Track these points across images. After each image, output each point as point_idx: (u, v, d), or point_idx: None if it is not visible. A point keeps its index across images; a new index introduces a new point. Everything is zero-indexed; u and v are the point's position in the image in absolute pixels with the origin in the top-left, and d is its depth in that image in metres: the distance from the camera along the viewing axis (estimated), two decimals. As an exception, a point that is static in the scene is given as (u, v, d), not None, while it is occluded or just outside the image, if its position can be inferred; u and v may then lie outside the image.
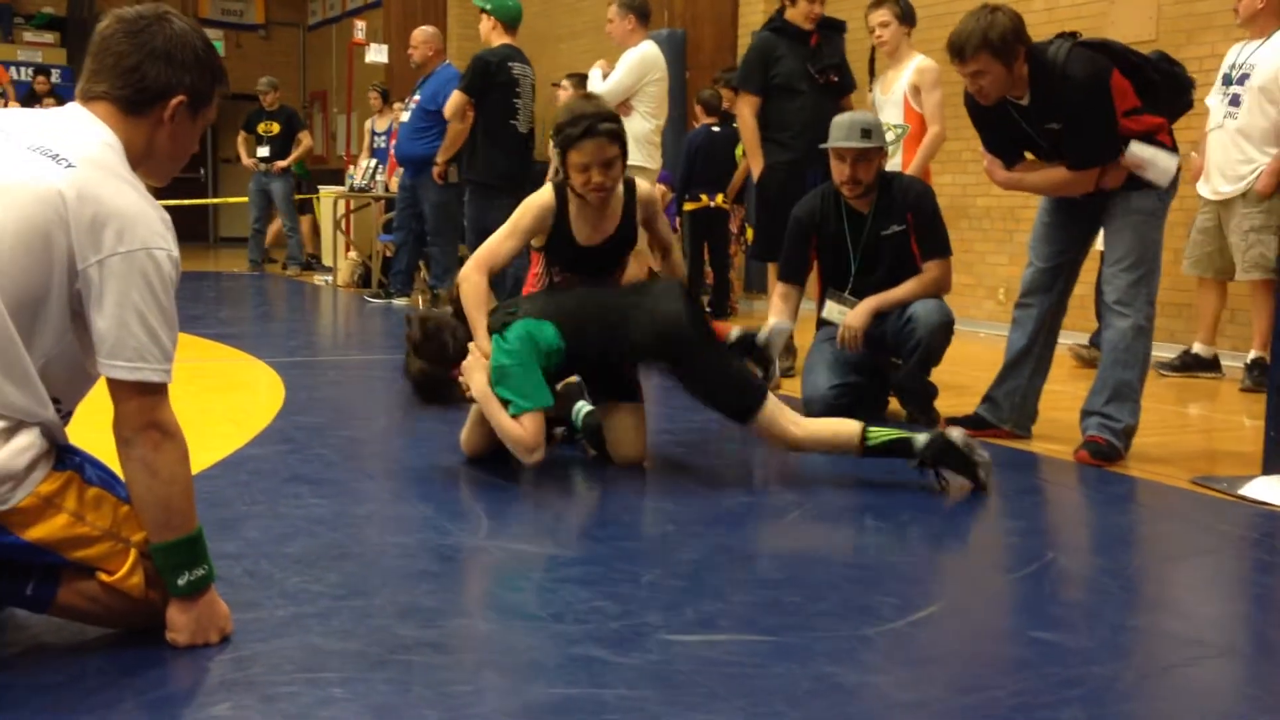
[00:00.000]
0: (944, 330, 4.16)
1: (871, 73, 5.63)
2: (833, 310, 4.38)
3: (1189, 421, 4.68)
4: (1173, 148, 3.70)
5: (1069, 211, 3.84)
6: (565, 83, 8.20)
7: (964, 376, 4.72)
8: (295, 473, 3.23)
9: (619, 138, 3.38)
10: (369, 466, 3.51)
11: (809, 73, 5.27)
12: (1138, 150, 3.62)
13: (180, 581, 1.90)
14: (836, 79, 5.36)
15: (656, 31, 8.81)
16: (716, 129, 8.13)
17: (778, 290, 4.41)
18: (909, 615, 2.23)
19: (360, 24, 12.35)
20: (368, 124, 11.21)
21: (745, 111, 5.42)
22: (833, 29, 5.41)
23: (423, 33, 8.20)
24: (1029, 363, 3.99)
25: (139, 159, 1.95)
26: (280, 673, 1.84)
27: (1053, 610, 2.35)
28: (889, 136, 5.16)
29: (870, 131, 4.09)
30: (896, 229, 4.19)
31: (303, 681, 1.81)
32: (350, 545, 2.60)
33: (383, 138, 10.74)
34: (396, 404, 4.80)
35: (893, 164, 5.10)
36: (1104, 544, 2.96)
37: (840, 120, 4.20)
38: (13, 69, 15.36)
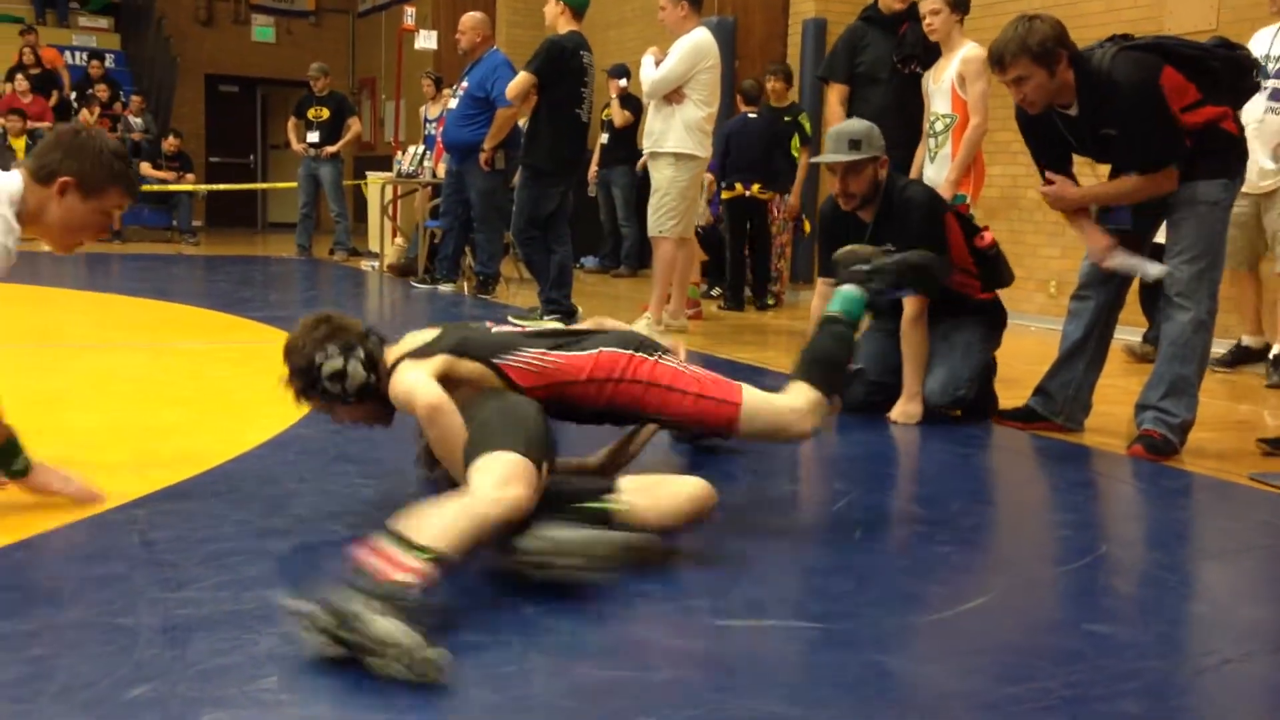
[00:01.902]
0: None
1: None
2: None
3: (1244, 416, 4.59)
4: (1239, 135, 3.63)
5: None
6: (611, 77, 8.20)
7: (1015, 370, 4.66)
8: (342, 452, 3.25)
9: None
10: (415, 448, 3.51)
11: (892, 61, 5.28)
12: (1122, 259, 3.72)
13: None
14: (919, 68, 5.33)
15: (706, 19, 8.78)
16: (753, 116, 8.08)
17: (818, 290, 4.33)
18: (959, 605, 2.20)
19: (410, 10, 12.40)
20: (421, 110, 11.25)
21: (833, 100, 5.45)
22: (918, 17, 5.37)
23: (471, 19, 8.20)
24: (1084, 356, 3.93)
25: (33, 217, 2.54)
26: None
27: (1106, 603, 2.31)
28: (938, 126, 5.10)
29: (859, 142, 3.94)
30: (890, 249, 4.04)
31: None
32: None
33: (433, 124, 10.78)
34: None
35: (943, 154, 5.05)
36: (1158, 538, 2.91)
37: (830, 132, 4.09)
38: (67, 53, 15.56)
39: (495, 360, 2.65)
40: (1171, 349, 3.65)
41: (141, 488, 2.76)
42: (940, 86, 5.10)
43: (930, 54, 5.37)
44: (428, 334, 2.77)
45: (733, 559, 2.40)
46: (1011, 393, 4.30)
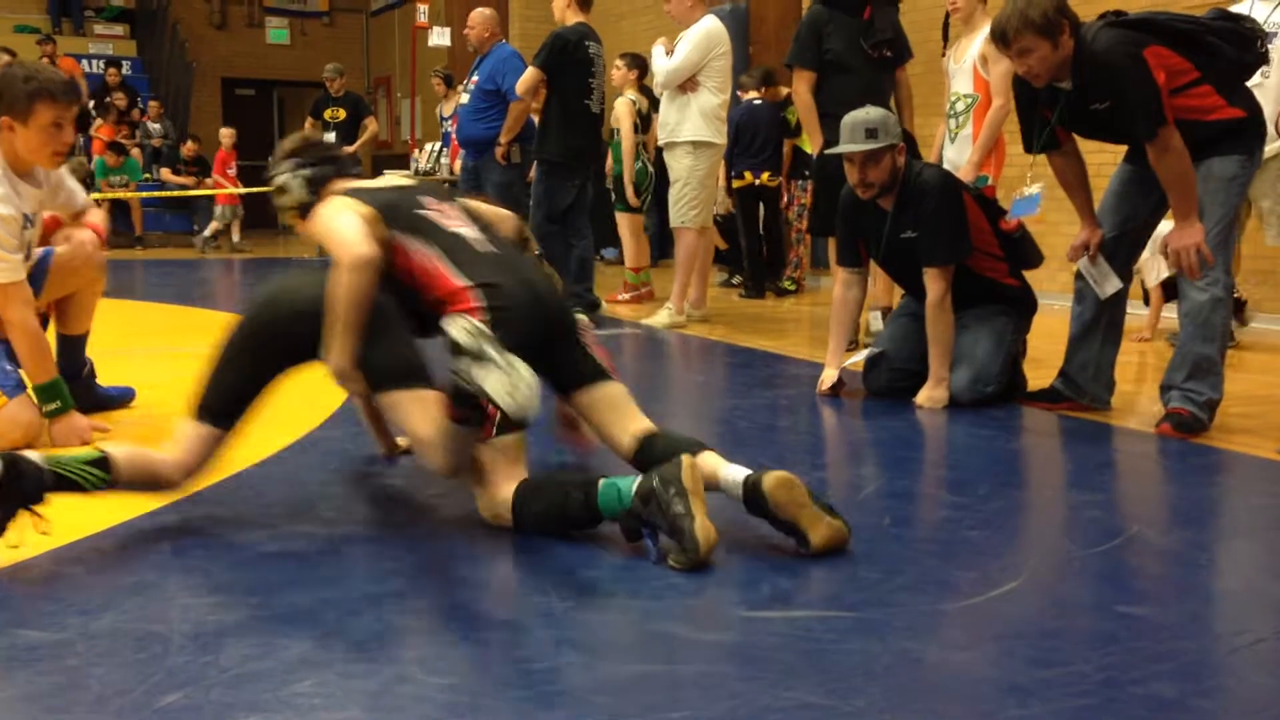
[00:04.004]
0: None
1: (945, 39, 5.52)
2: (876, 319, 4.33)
3: (1272, 391, 4.55)
4: (1253, 114, 3.57)
5: (1142, 180, 3.73)
6: (619, 63, 8.16)
7: (1042, 350, 4.63)
8: (369, 453, 3.26)
9: None
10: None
11: (861, 47, 5.19)
12: (1085, 266, 3.86)
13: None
14: (890, 53, 5.27)
15: (719, 7, 8.75)
16: (759, 103, 8.05)
17: (839, 278, 4.28)
18: (990, 590, 2.19)
19: (422, 7, 12.41)
20: (437, 109, 11.27)
21: (801, 88, 5.34)
22: (885, 1, 5.31)
23: (479, 14, 8.20)
24: (1096, 334, 3.90)
25: (15, 158, 3.17)
26: (360, 650, 1.86)
27: (1137, 584, 2.29)
28: (959, 106, 5.06)
29: (876, 130, 3.91)
30: (911, 235, 4.01)
31: (383, 660, 1.82)
32: (423, 525, 2.62)
33: (448, 122, 10.79)
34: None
35: (963, 135, 5.01)
36: (1188, 517, 2.89)
37: (845, 121, 4.02)
38: (84, 61, 15.65)
39: (398, 236, 2.60)
40: (1191, 328, 3.61)
41: (169, 494, 2.77)
42: (962, 66, 5.06)
43: (900, 40, 5.32)
44: (394, 181, 2.79)
45: (758, 550, 2.40)
46: (1039, 373, 4.27)
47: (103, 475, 2.41)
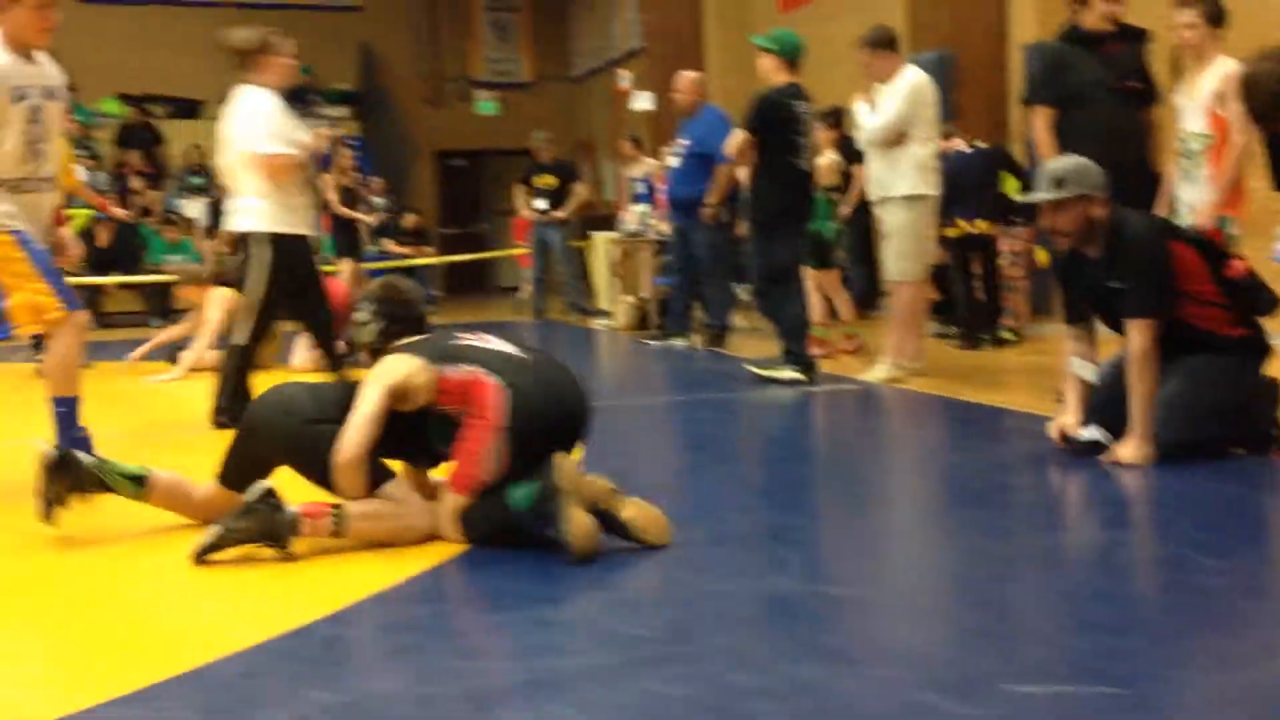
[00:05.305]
0: None
1: (1174, 76, 5.30)
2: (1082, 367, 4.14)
3: None
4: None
5: None
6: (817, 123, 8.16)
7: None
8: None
9: None
10: (676, 510, 3.57)
11: (1105, 82, 5.02)
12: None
13: None
14: (1139, 86, 5.09)
15: (924, 54, 8.67)
16: (968, 151, 7.91)
17: (1067, 335, 4.17)
18: (1272, 662, 2.06)
19: (624, 73, 12.74)
20: (624, 172, 11.54)
21: (1040, 125, 5.19)
22: (1133, 38, 5.13)
23: (687, 77, 8.39)
24: None
25: (13, 37, 3.73)
26: (624, 717, 1.90)
27: None
28: (1193, 146, 4.85)
29: (1063, 180, 3.84)
30: (1117, 285, 3.87)
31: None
32: (667, 589, 2.66)
33: (640, 184, 11.04)
34: (689, 446, 4.90)
35: (1200, 175, 4.79)
36: None
37: (1039, 170, 3.96)
38: (313, 143, 16.69)
39: (442, 369, 3.05)
40: None
41: (425, 561, 2.90)
42: (1195, 103, 4.85)
43: (1145, 76, 5.12)
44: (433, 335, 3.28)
45: (1009, 615, 2.33)
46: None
47: (136, 490, 3.11)
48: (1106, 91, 5.02)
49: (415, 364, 3.05)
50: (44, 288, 3.75)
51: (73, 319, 3.83)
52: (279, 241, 4.91)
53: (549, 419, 3.03)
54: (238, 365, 5.00)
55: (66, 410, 3.88)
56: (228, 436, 3.23)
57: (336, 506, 2.93)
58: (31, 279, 3.74)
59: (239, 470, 3.11)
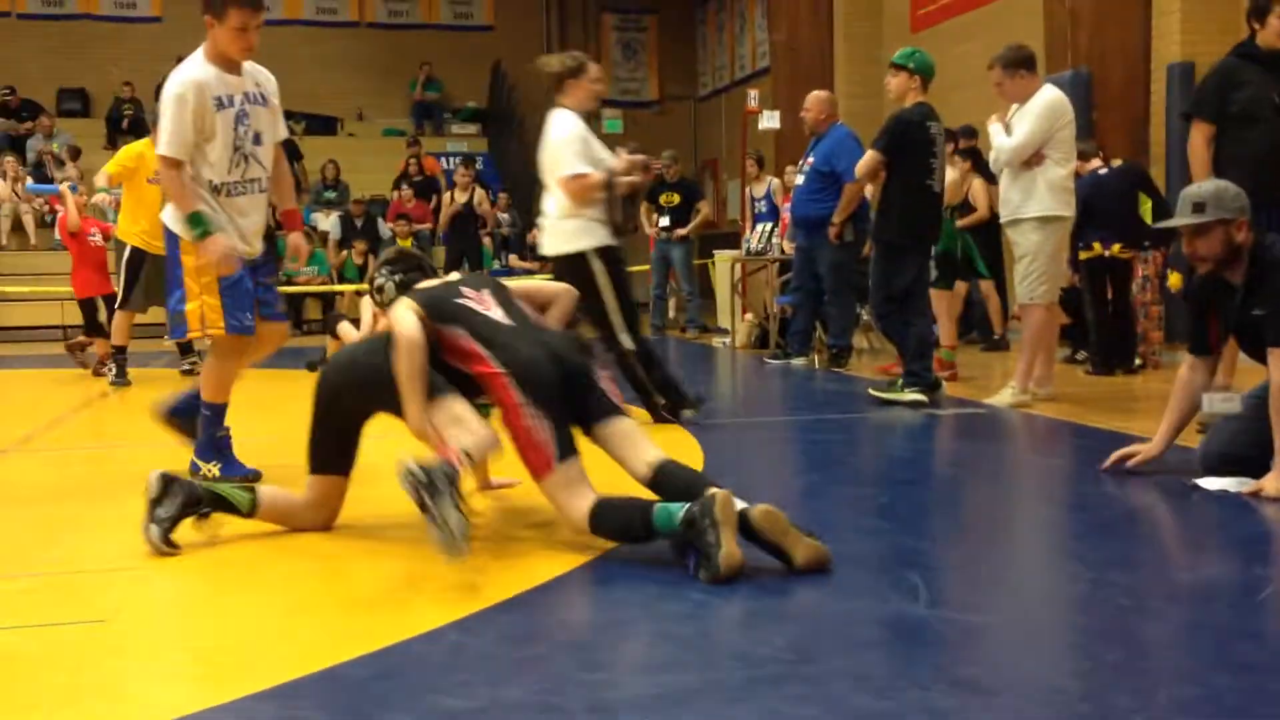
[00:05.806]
0: None
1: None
2: (1214, 402, 3.99)
3: None
4: None
5: None
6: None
7: None
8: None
9: None
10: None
11: (1273, 100, 4.86)
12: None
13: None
14: None
15: (1060, 74, 8.48)
16: (1104, 173, 7.69)
17: (1186, 361, 4.05)
18: None
19: (753, 92, 12.75)
20: (747, 190, 11.54)
21: (1198, 140, 5.06)
22: None
23: (816, 97, 8.35)
24: None
25: (217, 53, 3.92)
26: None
27: None
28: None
29: (1204, 205, 3.74)
30: (1260, 313, 3.73)
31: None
32: (792, 608, 2.64)
33: (762, 202, 11.02)
34: (810, 466, 4.86)
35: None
36: None
37: (1181, 194, 3.86)
38: (442, 159, 17.10)
39: (440, 326, 3.20)
40: None
41: (552, 570, 2.94)
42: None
43: None
44: (447, 279, 3.45)
45: (1149, 652, 2.26)
46: None
47: (250, 500, 3.23)
48: (1274, 111, 4.87)
49: (416, 307, 3.22)
50: (216, 304, 3.94)
51: (234, 341, 4.02)
52: (604, 253, 5.32)
53: (554, 376, 3.11)
54: (644, 364, 5.43)
55: (211, 414, 4.05)
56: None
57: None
58: (210, 292, 3.94)
59: (329, 449, 3.29)
